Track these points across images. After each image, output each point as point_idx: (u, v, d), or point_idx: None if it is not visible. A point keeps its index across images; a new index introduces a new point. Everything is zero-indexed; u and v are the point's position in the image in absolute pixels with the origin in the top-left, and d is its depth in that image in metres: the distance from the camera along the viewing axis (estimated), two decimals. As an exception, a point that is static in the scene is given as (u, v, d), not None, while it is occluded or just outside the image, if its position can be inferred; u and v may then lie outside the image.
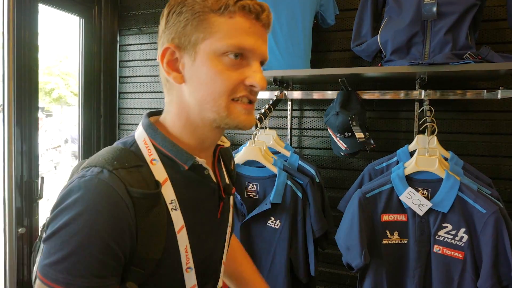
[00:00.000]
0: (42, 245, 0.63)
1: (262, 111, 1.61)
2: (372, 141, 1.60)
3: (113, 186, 0.58)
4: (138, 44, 2.45)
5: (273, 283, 1.45)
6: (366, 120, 1.65)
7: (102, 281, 0.56)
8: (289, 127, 1.97)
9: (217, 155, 0.78)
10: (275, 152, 1.64)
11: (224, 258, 0.82)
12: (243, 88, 0.65)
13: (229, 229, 0.82)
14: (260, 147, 1.51)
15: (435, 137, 1.43)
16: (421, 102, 1.66)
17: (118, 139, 0.74)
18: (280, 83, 1.82)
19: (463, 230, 1.19)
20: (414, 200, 1.24)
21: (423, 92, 1.60)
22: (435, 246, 1.23)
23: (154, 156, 0.66)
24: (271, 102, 1.71)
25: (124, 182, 0.59)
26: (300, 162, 1.60)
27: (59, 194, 0.60)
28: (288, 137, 1.98)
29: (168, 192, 0.64)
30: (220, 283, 0.81)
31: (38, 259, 0.67)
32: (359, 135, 1.53)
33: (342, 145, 1.65)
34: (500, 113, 1.67)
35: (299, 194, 1.48)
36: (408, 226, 1.27)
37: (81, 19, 2.31)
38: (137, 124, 2.57)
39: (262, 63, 0.69)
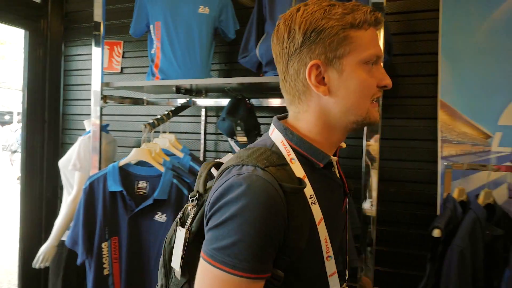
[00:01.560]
0: (177, 235, 0.76)
1: (159, 116, 1.77)
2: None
3: (269, 181, 0.64)
4: (81, 54, 2.64)
5: (157, 272, 1.59)
6: (257, 125, 1.80)
7: (261, 266, 0.63)
8: (202, 132, 2.14)
9: (338, 154, 0.83)
10: (171, 154, 1.79)
11: (348, 251, 0.89)
12: (377, 90, 0.74)
13: (347, 223, 0.88)
14: (150, 149, 1.67)
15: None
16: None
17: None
18: (188, 91, 1.98)
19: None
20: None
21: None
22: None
23: (292, 156, 0.72)
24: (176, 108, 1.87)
25: (276, 178, 0.65)
26: (191, 163, 1.75)
27: (217, 190, 0.67)
28: (202, 141, 2.14)
29: (308, 188, 0.70)
30: (347, 274, 0.88)
31: (174, 247, 0.77)
32: (242, 138, 1.68)
33: (236, 149, 1.80)
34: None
35: (185, 191, 1.63)
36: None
37: (26, 32, 2.51)
38: (82, 129, 2.70)
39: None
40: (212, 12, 1.83)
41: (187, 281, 0.75)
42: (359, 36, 0.70)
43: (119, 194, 1.62)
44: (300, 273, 0.71)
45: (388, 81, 0.74)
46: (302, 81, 0.73)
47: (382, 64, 0.76)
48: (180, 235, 0.76)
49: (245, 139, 1.67)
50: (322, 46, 0.70)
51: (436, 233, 1.39)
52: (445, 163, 1.62)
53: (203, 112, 2.15)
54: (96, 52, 1.82)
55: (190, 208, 0.78)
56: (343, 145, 0.85)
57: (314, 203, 0.71)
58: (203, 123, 2.14)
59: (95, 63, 1.82)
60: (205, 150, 2.15)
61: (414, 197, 1.78)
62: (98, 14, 1.82)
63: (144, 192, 1.66)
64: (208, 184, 0.81)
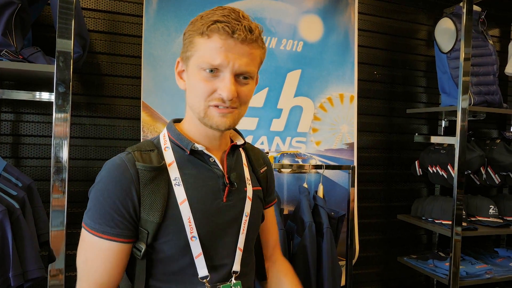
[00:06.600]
0: None
1: None
2: None
3: (125, 161, 0.80)
4: None
5: None
6: None
7: (111, 229, 0.77)
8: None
9: (228, 150, 0.91)
10: None
11: (241, 245, 0.88)
12: (216, 96, 0.79)
13: (245, 218, 0.89)
14: None
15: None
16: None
17: None
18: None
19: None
20: None
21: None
22: None
23: (167, 144, 0.87)
24: None
25: (136, 159, 0.80)
26: None
27: None
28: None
29: (173, 171, 0.83)
30: (235, 268, 0.87)
31: None
32: None
33: None
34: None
35: None
36: None
37: None
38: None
39: (242, 74, 0.80)
40: None
41: None
42: (200, 43, 0.79)
43: None
44: (165, 248, 0.80)
45: (222, 93, 0.78)
46: None
47: (226, 74, 0.79)
48: None
49: None
50: (183, 46, 0.84)
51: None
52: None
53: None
54: None
55: None
56: (239, 141, 0.94)
57: (178, 185, 0.82)
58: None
59: None
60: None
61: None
62: None
63: None
64: None
